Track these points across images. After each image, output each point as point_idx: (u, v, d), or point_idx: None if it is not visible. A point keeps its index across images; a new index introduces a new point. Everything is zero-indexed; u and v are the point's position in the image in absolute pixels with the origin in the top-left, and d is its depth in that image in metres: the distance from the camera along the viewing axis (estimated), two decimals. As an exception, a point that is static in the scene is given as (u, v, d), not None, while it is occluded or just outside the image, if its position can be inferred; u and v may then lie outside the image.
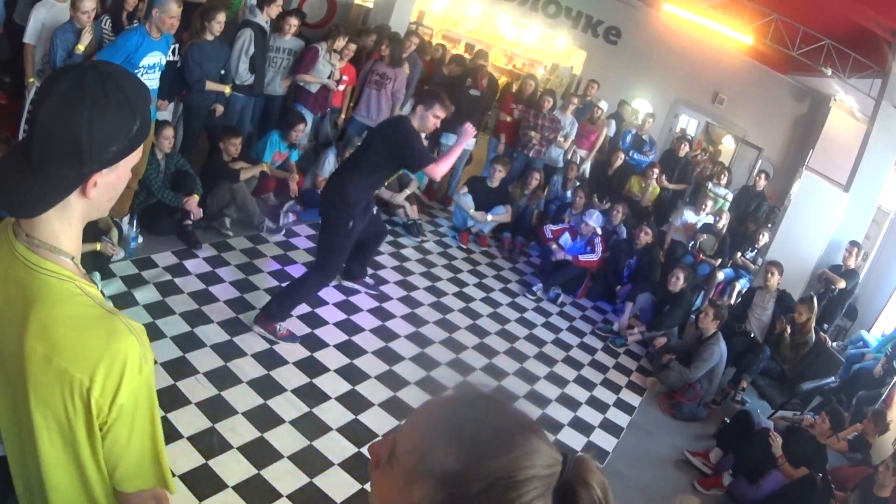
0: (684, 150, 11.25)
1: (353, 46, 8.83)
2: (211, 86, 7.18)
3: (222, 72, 7.32)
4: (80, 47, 6.00)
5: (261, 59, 7.78)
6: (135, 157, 1.51)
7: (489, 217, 9.09)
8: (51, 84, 1.39)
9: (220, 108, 7.47)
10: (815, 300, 7.64)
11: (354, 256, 6.32)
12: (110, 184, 1.50)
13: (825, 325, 8.49)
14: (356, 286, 6.88)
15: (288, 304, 5.74)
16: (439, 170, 5.50)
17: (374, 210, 6.23)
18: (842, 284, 8.51)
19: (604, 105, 11.33)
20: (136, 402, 1.46)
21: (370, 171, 5.51)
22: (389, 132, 5.53)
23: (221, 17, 7.03)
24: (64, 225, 1.49)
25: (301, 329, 5.88)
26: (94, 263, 5.45)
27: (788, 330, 7.55)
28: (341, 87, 8.94)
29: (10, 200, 1.44)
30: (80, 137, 1.37)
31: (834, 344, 8.28)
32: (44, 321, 1.41)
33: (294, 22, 8.16)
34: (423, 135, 5.75)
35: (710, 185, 10.70)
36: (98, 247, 5.45)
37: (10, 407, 1.49)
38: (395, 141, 5.42)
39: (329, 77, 8.52)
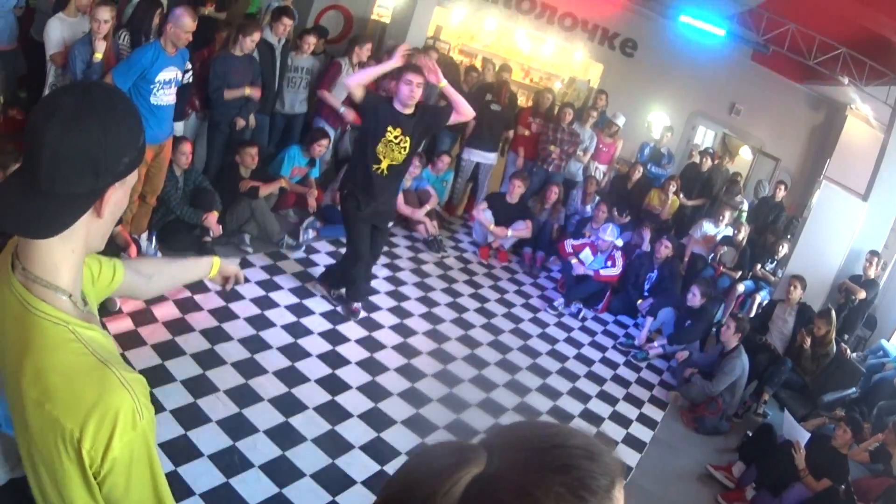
0: (707, 164, 11.16)
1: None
2: (229, 94, 7.17)
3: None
4: (98, 55, 5.93)
5: (270, 76, 7.76)
6: (134, 177, 1.49)
7: (509, 232, 9.05)
8: (53, 102, 1.36)
9: (240, 122, 7.46)
10: (833, 313, 7.60)
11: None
12: (118, 202, 1.48)
13: (845, 336, 8.44)
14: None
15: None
16: (351, 79, 5.77)
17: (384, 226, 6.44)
18: (862, 295, 8.45)
19: (620, 121, 11.27)
20: (130, 456, 1.41)
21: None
22: None
23: (257, 35, 7.11)
24: (66, 251, 1.45)
25: (322, 347, 5.90)
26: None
27: (809, 342, 7.50)
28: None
29: (20, 222, 1.39)
30: (96, 150, 1.35)
31: (854, 354, 8.23)
32: (37, 366, 1.38)
33: (312, 41, 8.21)
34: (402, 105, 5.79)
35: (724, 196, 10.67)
36: (117, 265, 5.45)
37: (22, 437, 1.47)
38: None
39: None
